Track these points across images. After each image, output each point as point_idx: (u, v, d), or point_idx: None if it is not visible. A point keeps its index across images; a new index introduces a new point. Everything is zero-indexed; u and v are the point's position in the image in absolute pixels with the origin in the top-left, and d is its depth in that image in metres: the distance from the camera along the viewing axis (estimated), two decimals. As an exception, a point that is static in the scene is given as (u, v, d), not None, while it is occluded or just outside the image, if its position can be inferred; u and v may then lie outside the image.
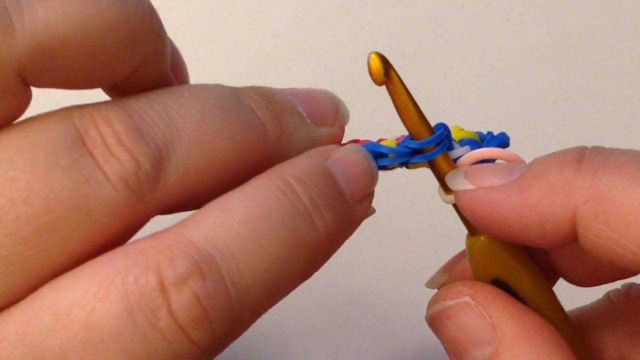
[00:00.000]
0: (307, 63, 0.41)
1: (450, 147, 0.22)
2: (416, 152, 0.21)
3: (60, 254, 0.17)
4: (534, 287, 0.21)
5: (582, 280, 0.22)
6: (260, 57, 0.41)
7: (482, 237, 0.21)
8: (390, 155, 0.21)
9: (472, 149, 0.22)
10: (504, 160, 0.21)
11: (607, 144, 0.36)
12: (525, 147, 0.40)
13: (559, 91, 0.41)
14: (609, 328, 0.22)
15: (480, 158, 0.21)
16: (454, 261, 0.23)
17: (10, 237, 0.16)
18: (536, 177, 0.19)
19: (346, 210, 0.20)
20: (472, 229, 0.22)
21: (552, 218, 0.18)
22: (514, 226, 0.19)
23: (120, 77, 0.19)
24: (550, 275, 0.22)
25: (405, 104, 0.21)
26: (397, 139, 0.22)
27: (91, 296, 0.16)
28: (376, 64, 0.20)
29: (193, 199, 0.19)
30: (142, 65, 0.19)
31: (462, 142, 0.22)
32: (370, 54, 0.20)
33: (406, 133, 0.22)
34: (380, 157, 0.21)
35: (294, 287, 0.19)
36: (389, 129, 0.25)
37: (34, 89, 0.18)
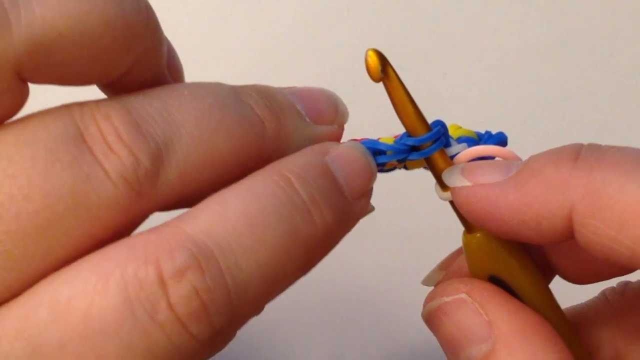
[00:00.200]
0: (307, 63, 0.41)
1: (448, 145, 0.22)
2: (413, 149, 0.21)
3: (60, 249, 0.17)
4: (530, 284, 0.21)
5: (578, 278, 0.22)
6: (260, 57, 0.41)
7: (478, 234, 0.21)
8: (389, 153, 0.22)
9: (470, 146, 0.22)
10: (501, 157, 0.22)
11: (607, 143, 0.36)
12: (525, 146, 0.40)
13: (559, 91, 0.41)
14: (605, 325, 0.22)
15: (477, 155, 0.22)
16: (451, 258, 0.23)
17: (10, 233, 0.16)
18: (533, 174, 0.19)
19: (345, 207, 0.20)
20: (469, 225, 0.22)
21: (548, 215, 0.18)
22: (510, 223, 0.19)
23: (116, 74, 0.19)
24: (546, 272, 0.22)
25: (403, 101, 0.21)
26: (395, 137, 0.22)
27: (90, 289, 0.16)
28: (374, 60, 0.20)
29: (192, 196, 0.19)
30: (138, 63, 0.19)
31: (460, 140, 0.22)
32: (367, 50, 0.20)
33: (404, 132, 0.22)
34: (379, 154, 0.22)
35: (293, 282, 0.19)
36: (389, 128, 0.25)
37: (34, 87, 0.18)
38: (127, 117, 0.18)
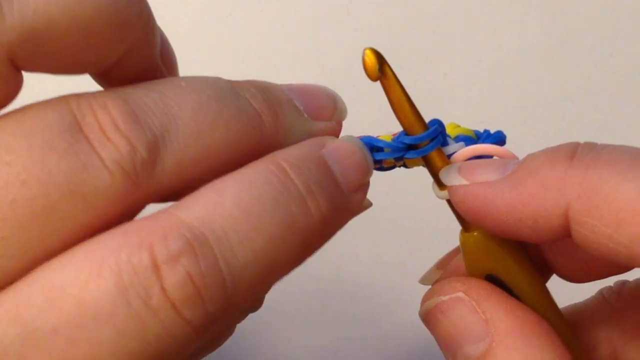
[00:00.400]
0: (307, 63, 0.41)
1: (445, 143, 0.22)
2: (410, 147, 0.21)
3: (55, 237, 0.17)
4: (527, 283, 0.21)
5: (575, 276, 0.22)
6: (260, 57, 0.41)
7: (475, 233, 0.21)
8: (386, 150, 0.22)
9: (467, 145, 0.22)
10: (498, 156, 0.22)
11: (607, 143, 0.35)
12: (525, 146, 0.40)
13: (559, 91, 0.41)
14: (602, 324, 0.22)
15: (475, 154, 0.22)
16: (448, 257, 0.23)
17: (7, 220, 0.16)
18: (529, 173, 0.19)
19: (341, 199, 0.20)
20: (466, 224, 0.22)
21: (545, 213, 0.18)
22: (507, 221, 0.19)
23: (109, 62, 0.19)
24: (543, 271, 0.22)
25: (400, 100, 0.21)
26: (394, 135, 0.22)
27: (84, 275, 0.16)
28: (371, 59, 0.20)
29: (188, 188, 0.19)
30: (130, 52, 0.19)
31: (458, 139, 0.22)
32: (365, 49, 0.20)
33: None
34: (377, 150, 0.22)
35: (288, 271, 0.19)
36: (389, 128, 0.25)
37: (31, 78, 0.18)
38: (124, 107, 0.18)
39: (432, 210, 0.22)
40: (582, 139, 0.41)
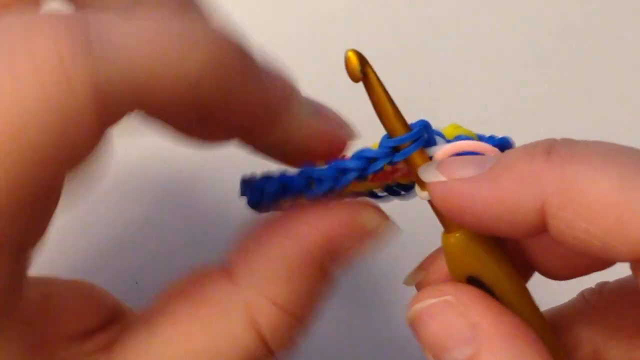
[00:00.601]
0: (307, 63, 0.41)
1: (431, 144, 0.22)
2: (395, 150, 0.21)
3: None
4: (508, 284, 0.21)
5: (556, 274, 0.22)
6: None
7: (457, 234, 0.21)
8: (373, 161, 0.21)
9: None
10: (480, 152, 0.22)
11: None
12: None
13: (559, 91, 0.41)
14: (584, 325, 0.22)
15: (456, 151, 0.22)
16: (431, 259, 0.23)
17: None
18: (506, 168, 0.19)
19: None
20: (447, 225, 0.22)
21: (522, 208, 0.18)
22: (485, 217, 0.19)
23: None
24: (524, 269, 0.22)
25: (382, 102, 0.21)
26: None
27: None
28: (353, 61, 0.20)
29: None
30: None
31: (458, 139, 0.22)
32: (347, 51, 0.21)
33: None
34: (373, 161, 0.21)
35: None
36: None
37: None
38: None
39: (429, 212, 0.22)
40: (582, 139, 0.41)
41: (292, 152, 0.22)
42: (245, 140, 0.22)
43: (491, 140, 0.22)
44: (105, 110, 0.17)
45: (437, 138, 0.22)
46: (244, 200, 0.24)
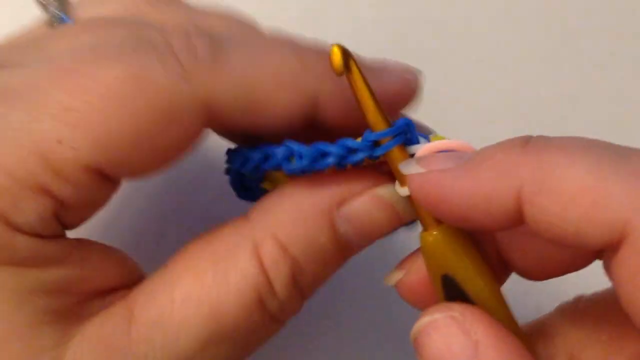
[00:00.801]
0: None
1: (413, 142, 0.22)
2: (376, 144, 0.22)
3: None
4: (482, 284, 0.21)
5: (532, 272, 0.22)
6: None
7: (434, 232, 0.22)
8: (353, 152, 0.22)
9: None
10: (460, 151, 0.22)
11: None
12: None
13: (559, 91, 0.41)
14: (560, 334, 0.22)
15: (437, 149, 0.22)
16: (410, 259, 0.23)
17: None
18: (483, 159, 0.19)
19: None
20: (425, 224, 0.22)
21: (498, 197, 0.19)
22: (463, 207, 0.19)
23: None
24: (501, 270, 0.23)
25: (364, 96, 0.21)
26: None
27: None
28: (337, 55, 0.21)
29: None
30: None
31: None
32: (332, 46, 0.21)
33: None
34: (353, 152, 0.22)
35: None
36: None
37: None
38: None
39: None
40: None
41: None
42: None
43: None
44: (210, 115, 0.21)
45: (421, 139, 0.22)
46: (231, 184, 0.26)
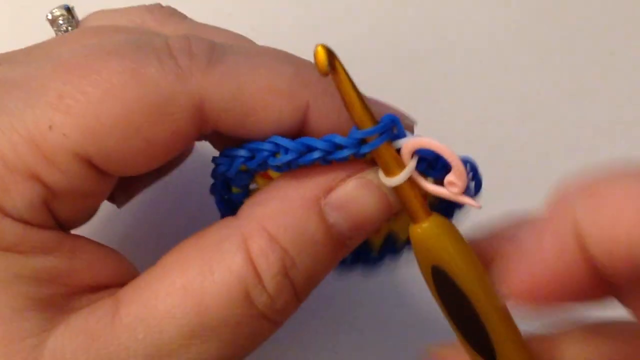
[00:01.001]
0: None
1: (400, 136, 0.22)
2: (362, 142, 0.22)
3: None
4: (474, 276, 0.21)
5: None
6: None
7: (424, 224, 0.22)
8: (339, 148, 0.22)
9: (428, 156, 0.22)
10: (439, 153, 0.22)
11: (609, 143, 0.35)
12: (525, 146, 0.40)
13: (559, 91, 0.41)
14: (567, 350, 0.22)
15: (418, 147, 0.22)
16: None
17: None
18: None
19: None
20: (414, 216, 0.22)
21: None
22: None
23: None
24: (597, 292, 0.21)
25: (350, 95, 0.21)
26: None
27: None
28: (321, 56, 0.21)
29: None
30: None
31: (420, 153, 0.22)
32: (316, 46, 0.21)
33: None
34: (339, 149, 0.22)
35: None
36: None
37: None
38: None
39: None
40: (582, 138, 0.41)
41: None
42: None
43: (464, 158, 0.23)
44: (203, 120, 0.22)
45: (408, 134, 0.23)
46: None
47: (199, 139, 0.25)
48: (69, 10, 0.27)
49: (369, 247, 0.26)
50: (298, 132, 0.23)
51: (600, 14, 0.42)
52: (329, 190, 0.22)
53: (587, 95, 0.41)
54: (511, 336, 0.22)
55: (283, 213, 0.22)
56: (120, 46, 0.21)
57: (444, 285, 0.22)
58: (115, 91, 0.20)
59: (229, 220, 0.23)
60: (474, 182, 0.23)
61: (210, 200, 0.27)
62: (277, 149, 0.22)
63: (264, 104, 0.22)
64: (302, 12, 0.42)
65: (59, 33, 0.27)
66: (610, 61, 0.41)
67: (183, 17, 0.28)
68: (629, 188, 0.17)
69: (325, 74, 0.21)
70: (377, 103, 0.24)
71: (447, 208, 0.24)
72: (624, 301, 0.21)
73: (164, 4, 0.29)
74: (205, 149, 0.27)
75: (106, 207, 0.27)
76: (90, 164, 0.21)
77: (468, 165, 0.22)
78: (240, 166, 0.23)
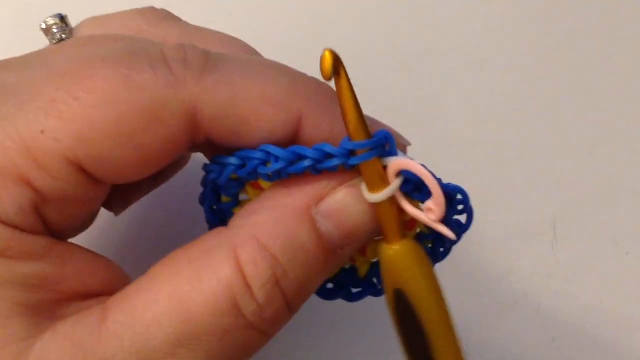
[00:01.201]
0: (308, 63, 0.41)
1: (391, 154, 0.22)
2: (352, 153, 0.22)
3: None
4: (433, 305, 0.22)
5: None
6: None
7: (396, 247, 0.22)
8: (329, 157, 0.22)
9: (412, 178, 0.22)
10: (423, 179, 0.22)
11: (608, 143, 0.35)
12: (525, 146, 0.40)
13: (559, 91, 0.41)
14: None
15: (404, 167, 0.22)
16: None
17: None
18: None
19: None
20: (388, 235, 0.22)
21: None
22: None
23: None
24: None
25: (348, 105, 0.21)
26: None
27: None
28: (328, 60, 0.21)
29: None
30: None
31: (404, 173, 0.22)
32: (324, 50, 0.21)
33: None
34: (329, 157, 0.22)
35: None
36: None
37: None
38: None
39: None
40: (582, 138, 0.41)
41: None
42: None
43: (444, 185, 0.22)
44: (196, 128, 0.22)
45: (400, 153, 0.22)
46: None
47: (193, 149, 0.25)
48: (62, 18, 0.27)
49: (355, 272, 0.26)
50: (291, 142, 0.23)
51: (600, 14, 0.42)
52: (320, 199, 0.22)
53: (587, 95, 0.41)
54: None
55: (274, 222, 0.22)
56: (115, 53, 0.21)
57: (403, 308, 0.22)
58: (108, 97, 0.20)
59: (220, 231, 0.23)
60: (466, 213, 0.23)
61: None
62: (268, 158, 0.22)
63: (258, 113, 0.22)
64: (302, 12, 0.42)
65: (54, 42, 0.27)
66: (610, 61, 0.41)
67: (177, 19, 0.28)
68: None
69: (329, 78, 0.21)
70: (376, 122, 0.24)
71: (440, 237, 0.24)
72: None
73: (164, 3, 0.29)
74: (203, 159, 0.27)
75: (103, 215, 0.27)
76: (82, 170, 0.21)
77: (458, 194, 0.22)
78: (231, 174, 0.23)
